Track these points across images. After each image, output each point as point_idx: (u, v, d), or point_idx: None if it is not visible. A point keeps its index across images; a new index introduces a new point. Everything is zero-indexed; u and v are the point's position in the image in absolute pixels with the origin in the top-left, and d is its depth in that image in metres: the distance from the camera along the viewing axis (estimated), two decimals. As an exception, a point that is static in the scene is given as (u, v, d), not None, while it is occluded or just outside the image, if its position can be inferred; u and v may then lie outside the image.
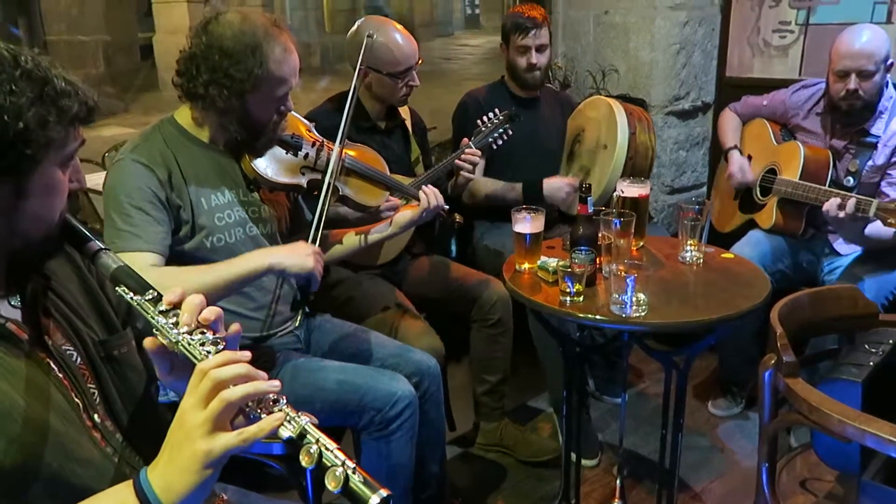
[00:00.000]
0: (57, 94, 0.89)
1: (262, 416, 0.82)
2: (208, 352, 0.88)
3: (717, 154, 3.02)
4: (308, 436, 0.81)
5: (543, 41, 2.64)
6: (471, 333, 2.44)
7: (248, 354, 0.88)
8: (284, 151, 1.78)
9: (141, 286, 0.96)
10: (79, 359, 1.02)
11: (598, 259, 1.82)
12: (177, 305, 0.93)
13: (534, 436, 2.55)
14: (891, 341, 1.48)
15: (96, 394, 1.02)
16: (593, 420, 2.65)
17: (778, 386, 1.38)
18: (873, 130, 2.44)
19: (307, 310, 1.93)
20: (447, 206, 2.09)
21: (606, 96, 3.04)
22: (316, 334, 1.95)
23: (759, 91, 2.85)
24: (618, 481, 2.17)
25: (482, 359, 2.44)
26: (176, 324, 0.91)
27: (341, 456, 0.80)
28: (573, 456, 2.18)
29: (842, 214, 2.16)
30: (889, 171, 2.40)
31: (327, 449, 0.80)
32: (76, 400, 0.98)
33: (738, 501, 2.28)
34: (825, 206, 2.22)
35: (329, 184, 1.78)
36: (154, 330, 0.93)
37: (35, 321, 0.97)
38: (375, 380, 1.75)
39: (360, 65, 2.01)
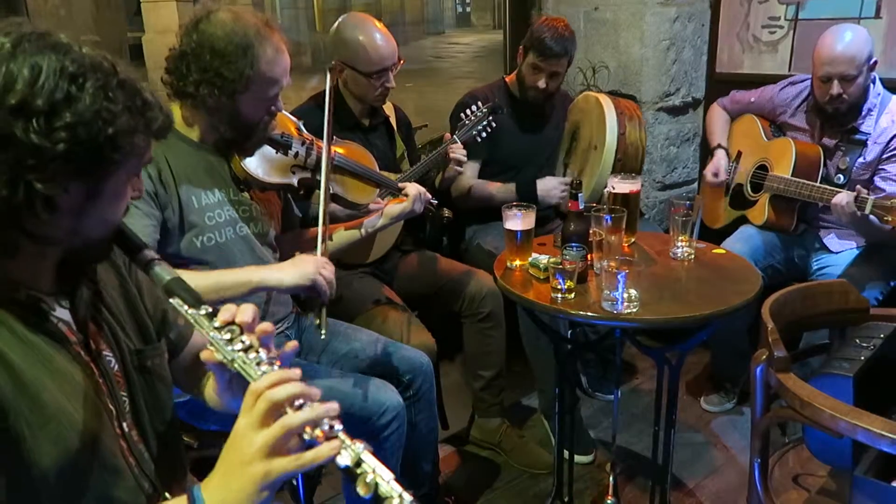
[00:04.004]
0: (144, 106, 0.91)
1: (318, 440, 0.83)
2: (264, 372, 0.89)
3: (708, 150, 3.01)
4: (364, 464, 0.82)
5: (559, 70, 2.60)
6: (463, 329, 2.43)
7: (298, 372, 0.89)
8: (274, 151, 1.77)
9: (194, 299, 0.98)
10: (116, 366, 1.03)
11: (589, 256, 1.82)
12: (230, 322, 0.95)
13: (532, 444, 2.52)
14: (882, 336, 1.48)
15: (127, 403, 1.04)
16: (586, 418, 2.65)
17: (770, 381, 1.38)
18: (863, 128, 2.44)
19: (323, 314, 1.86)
20: (435, 201, 2.08)
21: (598, 92, 3.04)
22: (307, 334, 1.94)
23: (749, 87, 2.85)
24: (611, 478, 2.17)
25: (475, 354, 2.43)
26: (230, 340, 0.93)
27: (398, 487, 0.81)
28: (566, 453, 2.18)
29: (850, 210, 2.17)
30: (882, 167, 2.41)
31: (383, 479, 0.81)
32: (111, 406, 1.00)
33: (732, 497, 2.29)
34: (836, 200, 2.22)
35: (325, 187, 1.77)
36: (209, 345, 0.95)
37: (83, 325, 0.98)
38: (365, 388, 1.73)
39: (330, 83, 1.94)
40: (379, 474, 0.81)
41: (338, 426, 0.85)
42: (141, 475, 1.03)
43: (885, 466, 1.36)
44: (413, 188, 1.97)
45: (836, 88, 2.35)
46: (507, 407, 2.58)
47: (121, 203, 0.96)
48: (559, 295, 1.70)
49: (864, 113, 2.43)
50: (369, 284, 2.32)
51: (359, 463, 0.82)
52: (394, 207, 1.96)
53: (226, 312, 0.96)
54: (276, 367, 0.90)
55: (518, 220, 1.91)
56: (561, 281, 1.69)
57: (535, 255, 1.90)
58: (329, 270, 1.62)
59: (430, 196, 2.02)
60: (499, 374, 2.45)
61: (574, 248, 1.74)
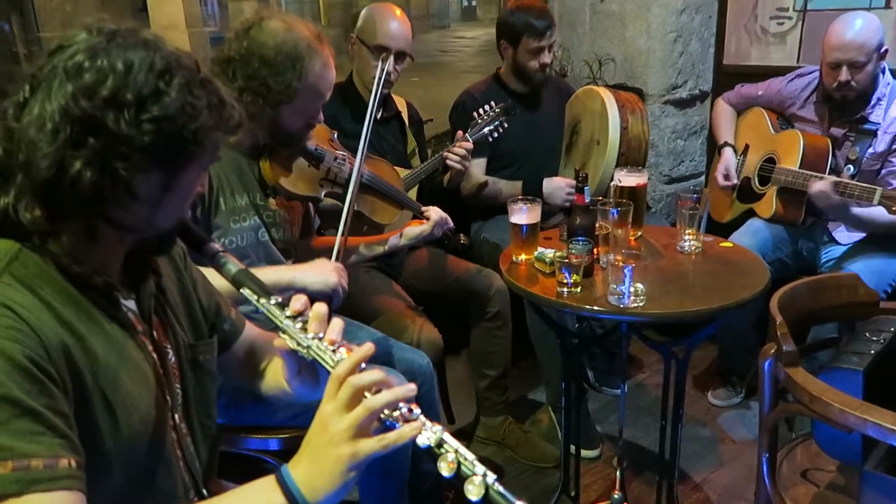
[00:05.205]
0: (221, 104, 0.95)
1: (398, 423, 0.87)
2: (340, 358, 0.92)
3: (715, 144, 3.00)
4: (446, 445, 0.85)
5: (554, 38, 2.61)
6: (469, 327, 2.42)
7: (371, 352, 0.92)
8: (307, 163, 1.77)
9: (263, 291, 1.02)
10: (173, 359, 1.06)
11: (595, 249, 1.80)
12: (301, 313, 0.99)
13: (537, 438, 2.51)
14: (892, 329, 1.46)
15: (180, 396, 1.06)
16: (593, 412, 2.64)
17: (778, 375, 1.37)
18: (872, 118, 2.42)
19: None
20: (454, 227, 2.10)
21: (602, 86, 3.02)
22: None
23: (757, 79, 2.83)
24: (618, 473, 2.16)
25: (481, 353, 2.42)
26: (304, 329, 0.97)
27: (481, 467, 0.83)
28: (573, 448, 2.17)
29: (834, 197, 2.16)
30: (890, 159, 2.39)
31: (465, 459, 0.84)
32: (167, 398, 1.02)
33: (739, 492, 2.28)
34: (811, 188, 2.23)
35: (350, 203, 1.78)
36: (281, 333, 0.99)
37: (147, 317, 1.02)
38: None
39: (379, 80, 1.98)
40: (462, 454, 0.84)
41: (416, 410, 0.88)
42: (185, 468, 1.05)
43: (895, 461, 1.34)
44: (435, 213, 2.00)
45: (844, 75, 2.33)
46: (512, 403, 2.57)
47: (190, 197, 0.99)
48: (565, 289, 1.69)
49: (873, 102, 2.41)
50: (377, 279, 2.31)
51: (440, 444, 0.85)
52: (414, 229, 1.99)
53: (297, 302, 1.00)
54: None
55: (524, 214, 1.90)
56: (567, 275, 1.68)
57: (540, 249, 1.89)
58: (345, 279, 1.66)
59: (451, 224, 2.05)
60: (504, 373, 2.44)
61: (580, 242, 1.73)
